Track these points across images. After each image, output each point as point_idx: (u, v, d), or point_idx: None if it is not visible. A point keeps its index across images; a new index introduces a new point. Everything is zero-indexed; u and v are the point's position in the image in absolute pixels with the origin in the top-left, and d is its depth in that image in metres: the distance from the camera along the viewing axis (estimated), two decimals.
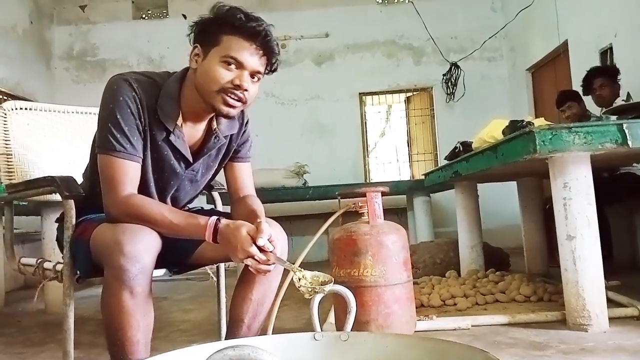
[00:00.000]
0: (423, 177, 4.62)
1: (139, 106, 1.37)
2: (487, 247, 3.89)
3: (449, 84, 6.70)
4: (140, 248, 1.22)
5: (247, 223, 1.27)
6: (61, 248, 1.52)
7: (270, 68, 1.43)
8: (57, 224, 1.60)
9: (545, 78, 5.95)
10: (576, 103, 3.88)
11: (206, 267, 1.72)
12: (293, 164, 5.25)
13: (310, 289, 1.22)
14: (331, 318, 2.41)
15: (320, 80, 6.88)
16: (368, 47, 6.95)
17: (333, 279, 1.24)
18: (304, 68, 6.87)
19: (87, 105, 2.14)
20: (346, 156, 6.77)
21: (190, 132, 1.48)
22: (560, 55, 5.30)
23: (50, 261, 1.54)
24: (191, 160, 1.50)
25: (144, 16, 7.22)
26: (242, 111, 1.61)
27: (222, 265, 1.80)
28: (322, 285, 1.23)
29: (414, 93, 7.10)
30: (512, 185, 3.95)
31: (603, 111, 3.72)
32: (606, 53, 4.49)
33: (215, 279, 1.82)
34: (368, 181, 6.77)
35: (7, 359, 2.40)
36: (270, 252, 1.25)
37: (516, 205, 3.88)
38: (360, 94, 6.96)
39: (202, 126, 1.50)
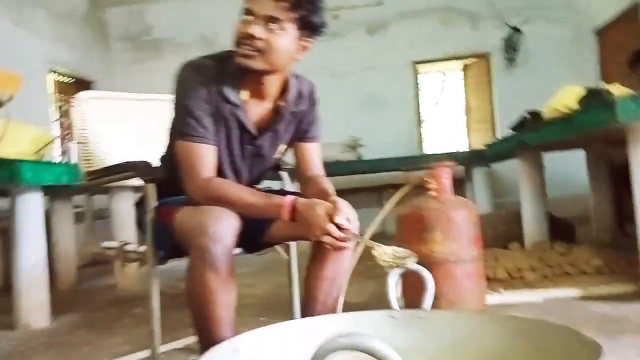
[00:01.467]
0: (482, 147, 4.51)
1: (208, 90, 1.40)
2: (552, 218, 3.78)
3: (509, 48, 6.44)
4: (223, 229, 1.25)
5: (324, 202, 1.28)
6: (142, 230, 1.58)
7: (295, 10, 1.34)
8: (134, 208, 1.66)
9: (612, 41, 5.63)
10: None
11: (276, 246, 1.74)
12: (348, 137, 5.21)
13: (392, 263, 1.23)
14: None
15: (373, 50, 6.74)
16: (422, 14, 6.75)
17: (414, 254, 1.24)
18: (356, 38, 6.75)
19: (147, 86, 2.17)
20: (400, 127, 6.66)
21: (255, 109, 1.50)
22: (629, 17, 5.00)
23: (131, 243, 1.59)
24: (256, 134, 1.51)
25: None
26: (312, 90, 1.61)
27: (293, 244, 1.83)
28: (398, 259, 1.24)
29: (472, 60, 6.88)
30: (576, 153, 3.80)
31: None
32: None
33: (287, 256, 1.84)
34: (422, 152, 6.67)
35: (91, 334, 2.54)
36: (348, 229, 1.25)
37: (579, 173, 3.74)
38: (414, 62, 6.81)
39: (267, 104, 1.52)
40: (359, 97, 6.67)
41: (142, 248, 1.50)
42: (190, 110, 1.38)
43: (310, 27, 1.40)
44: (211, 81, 1.41)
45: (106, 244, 1.71)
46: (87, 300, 3.41)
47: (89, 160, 1.83)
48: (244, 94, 1.46)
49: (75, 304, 3.22)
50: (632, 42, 4.90)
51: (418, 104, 6.85)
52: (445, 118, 7.39)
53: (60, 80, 6.04)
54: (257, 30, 1.34)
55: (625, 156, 2.42)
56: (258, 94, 1.48)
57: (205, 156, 1.40)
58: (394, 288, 1.39)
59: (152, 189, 1.45)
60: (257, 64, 1.38)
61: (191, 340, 2.02)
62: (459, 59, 6.91)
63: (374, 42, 6.79)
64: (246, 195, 1.34)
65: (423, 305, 1.32)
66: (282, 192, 1.65)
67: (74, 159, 3.06)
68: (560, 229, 3.80)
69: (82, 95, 1.90)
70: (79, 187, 1.85)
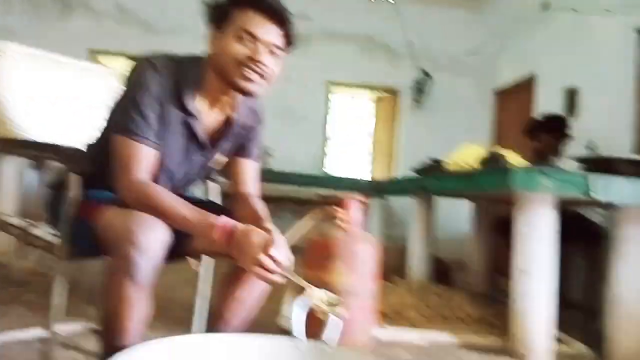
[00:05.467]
0: (382, 179, 4.73)
1: (163, 92, 1.36)
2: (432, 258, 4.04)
3: (418, 90, 6.83)
4: (152, 241, 1.20)
5: (259, 230, 1.26)
6: (53, 216, 1.49)
7: (288, 41, 1.41)
8: (48, 188, 1.54)
9: (509, 103, 6.18)
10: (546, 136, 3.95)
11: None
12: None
13: (326, 310, 1.25)
14: (285, 311, 2.45)
15: (292, 63, 6.72)
16: (344, 38, 6.93)
17: (342, 300, 1.27)
18: None
19: (46, 48, 1.92)
20: (309, 144, 6.78)
21: (208, 119, 1.48)
22: (526, 85, 5.53)
23: (38, 227, 1.48)
24: (206, 146, 1.49)
25: None
26: (261, 108, 1.64)
27: (205, 257, 1.81)
28: (330, 305, 1.26)
29: (384, 94, 7.19)
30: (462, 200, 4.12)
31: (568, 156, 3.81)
32: (571, 93, 4.68)
33: (197, 269, 1.82)
34: (326, 172, 6.82)
35: None
36: (280, 263, 1.24)
37: (461, 219, 4.03)
38: (329, 82, 6.97)
39: (220, 115, 1.50)
40: (273, 107, 6.65)
41: (53, 238, 1.41)
42: (140, 108, 1.32)
43: (290, 46, 1.43)
44: (169, 84, 1.37)
45: (8, 219, 1.56)
46: None
47: None
48: (200, 104, 1.44)
49: None
50: (524, 110, 5.41)
51: (327, 124, 7.01)
52: (351, 143, 7.59)
53: None
54: (267, 58, 1.35)
55: (507, 212, 2.68)
56: (214, 104, 1.47)
57: (144, 158, 1.34)
58: (302, 318, 1.41)
59: (76, 180, 1.37)
60: (259, 89, 1.39)
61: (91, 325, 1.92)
62: (371, 89, 7.19)
63: (293, 55, 6.81)
64: (180, 208, 1.29)
65: (324, 337, 1.35)
66: (210, 204, 1.63)
67: None
68: (438, 270, 4.08)
69: (3, 45, 1.71)
70: None
